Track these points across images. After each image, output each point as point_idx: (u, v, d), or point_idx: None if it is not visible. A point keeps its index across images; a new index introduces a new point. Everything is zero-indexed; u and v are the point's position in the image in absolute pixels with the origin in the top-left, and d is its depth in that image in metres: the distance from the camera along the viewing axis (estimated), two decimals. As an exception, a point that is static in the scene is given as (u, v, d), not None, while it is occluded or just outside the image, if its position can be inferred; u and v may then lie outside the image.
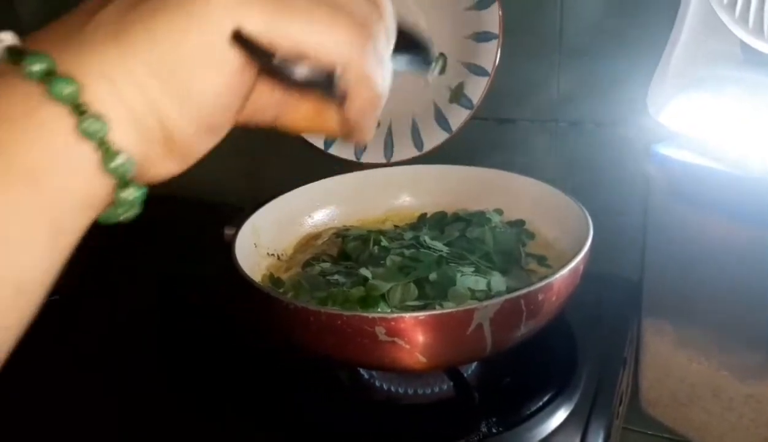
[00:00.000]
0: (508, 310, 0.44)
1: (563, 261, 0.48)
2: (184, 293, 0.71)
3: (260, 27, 0.23)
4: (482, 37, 0.66)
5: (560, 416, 0.49)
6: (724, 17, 0.47)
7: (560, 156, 0.69)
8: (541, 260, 0.58)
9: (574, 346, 0.57)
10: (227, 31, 0.23)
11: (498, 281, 0.52)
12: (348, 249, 0.59)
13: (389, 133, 0.72)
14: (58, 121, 0.21)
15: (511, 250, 0.57)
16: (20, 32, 0.23)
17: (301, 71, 0.24)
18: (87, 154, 0.22)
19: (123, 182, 0.23)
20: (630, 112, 0.61)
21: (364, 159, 0.74)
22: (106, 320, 0.68)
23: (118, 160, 0.22)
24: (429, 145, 0.71)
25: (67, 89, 0.21)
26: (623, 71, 0.62)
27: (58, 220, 0.22)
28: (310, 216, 0.66)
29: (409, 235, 0.60)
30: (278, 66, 0.24)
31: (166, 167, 0.24)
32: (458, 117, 0.69)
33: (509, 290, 0.50)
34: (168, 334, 0.64)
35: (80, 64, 0.22)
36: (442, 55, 0.68)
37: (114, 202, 0.23)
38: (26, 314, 0.22)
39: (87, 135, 0.21)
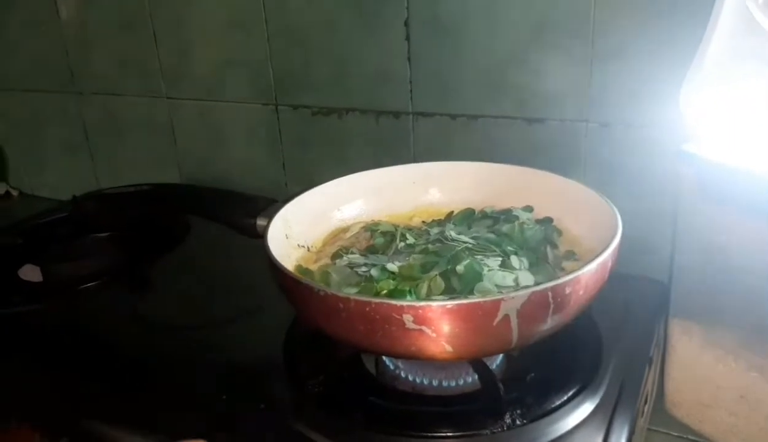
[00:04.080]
0: (534, 302, 0.44)
1: (591, 257, 0.48)
2: (218, 281, 0.73)
3: None
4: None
5: (584, 410, 0.49)
6: (759, 17, 0.47)
7: (590, 156, 0.69)
8: (570, 256, 0.58)
9: (600, 344, 0.57)
10: None
11: (525, 277, 0.52)
12: (376, 243, 0.60)
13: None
14: None
15: (539, 246, 0.58)
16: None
17: None
18: None
19: None
20: (662, 113, 0.61)
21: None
22: (139, 307, 0.70)
23: None
24: None
25: None
26: (655, 72, 0.62)
27: None
28: (339, 210, 0.67)
29: (435, 230, 0.61)
30: None
31: None
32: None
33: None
34: (201, 321, 0.65)
35: None
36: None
37: None
38: None
39: None
